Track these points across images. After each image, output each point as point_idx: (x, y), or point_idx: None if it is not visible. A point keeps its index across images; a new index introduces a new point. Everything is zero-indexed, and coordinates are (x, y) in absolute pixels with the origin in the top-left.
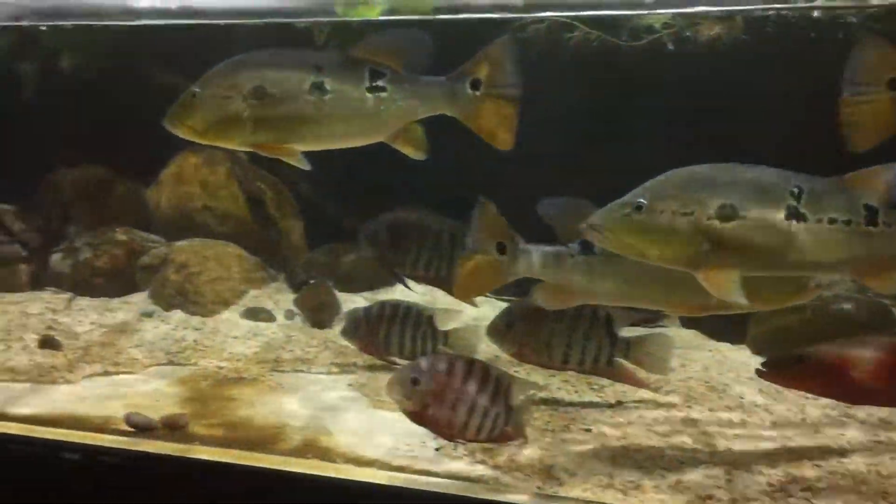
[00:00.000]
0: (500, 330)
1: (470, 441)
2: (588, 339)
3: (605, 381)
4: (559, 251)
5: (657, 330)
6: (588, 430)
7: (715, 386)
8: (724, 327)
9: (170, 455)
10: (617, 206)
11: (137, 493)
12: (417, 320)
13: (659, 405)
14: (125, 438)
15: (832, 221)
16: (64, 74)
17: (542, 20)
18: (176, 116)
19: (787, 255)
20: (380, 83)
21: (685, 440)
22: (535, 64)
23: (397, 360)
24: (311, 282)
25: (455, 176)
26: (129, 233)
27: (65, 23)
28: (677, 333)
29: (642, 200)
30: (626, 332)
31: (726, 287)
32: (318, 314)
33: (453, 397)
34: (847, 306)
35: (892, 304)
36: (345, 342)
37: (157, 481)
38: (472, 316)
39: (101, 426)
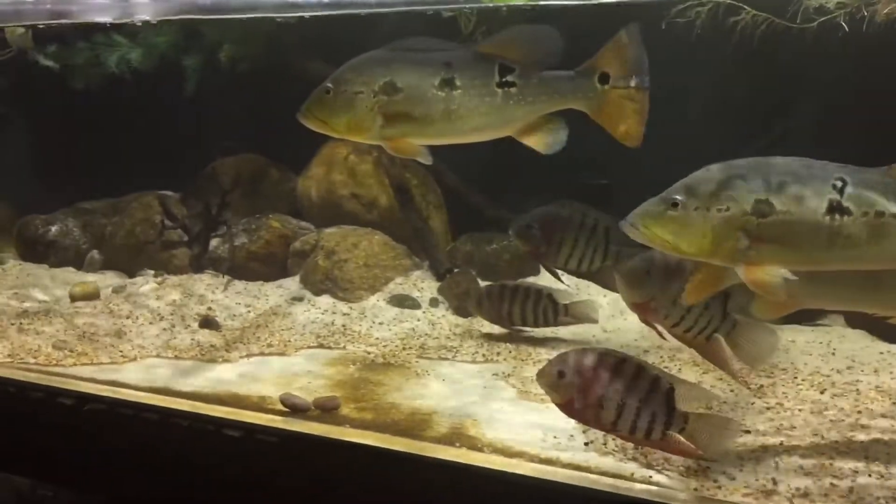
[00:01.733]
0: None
1: (627, 440)
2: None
3: (764, 382)
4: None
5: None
6: (748, 432)
7: (886, 390)
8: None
9: (323, 437)
10: (654, 203)
11: (292, 472)
12: (538, 296)
13: (826, 408)
14: (281, 418)
15: (879, 214)
16: (223, 67)
17: (702, 2)
18: (309, 110)
19: (831, 250)
20: (509, 78)
21: (854, 446)
22: (695, 50)
23: (523, 328)
24: (456, 270)
25: (594, 166)
26: (281, 219)
27: (224, 16)
28: (843, 333)
29: (678, 197)
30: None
31: (768, 283)
32: (462, 302)
33: (600, 392)
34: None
35: None
36: (487, 331)
37: (310, 462)
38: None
39: (259, 405)
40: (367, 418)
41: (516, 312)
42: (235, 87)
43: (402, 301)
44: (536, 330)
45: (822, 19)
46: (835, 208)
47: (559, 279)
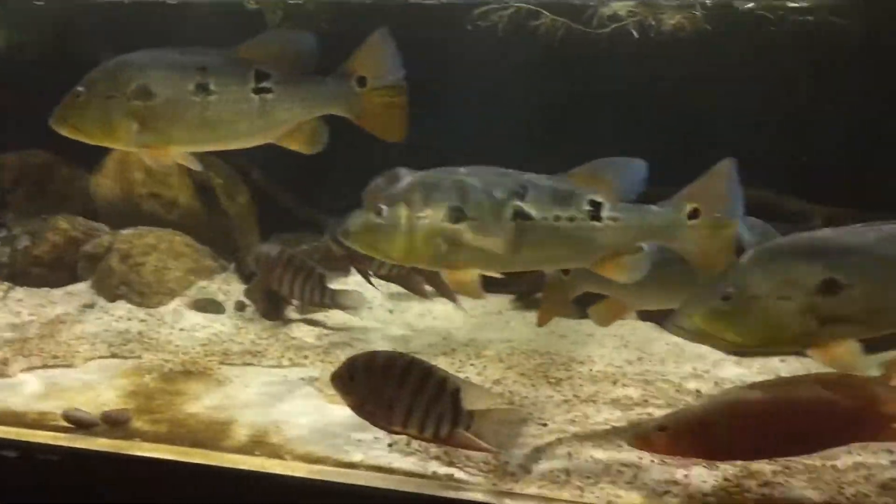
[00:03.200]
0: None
1: (417, 439)
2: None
3: (562, 375)
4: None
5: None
6: (544, 425)
7: (672, 380)
8: None
9: (111, 452)
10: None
11: (77, 492)
12: (310, 273)
13: (615, 400)
14: (64, 435)
15: (556, 219)
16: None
17: (506, 6)
18: (61, 116)
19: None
20: (265, 84)
21: None
22: (500, 52)
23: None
24: None
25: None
26: (70, 220)
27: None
28: (635, 325)
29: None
30: None
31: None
32: (270, 305)
33: (390, 394)
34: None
35: None
36: (297, 335)
37: (97, 480)
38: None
39: (39, 422)
40: (160, 431)
41: (286, 281)
42: (17, 76)
43: (206, 305)
44: (341, 331)
45: (615, 25)
46: (518, 214)
47: (370, 282)
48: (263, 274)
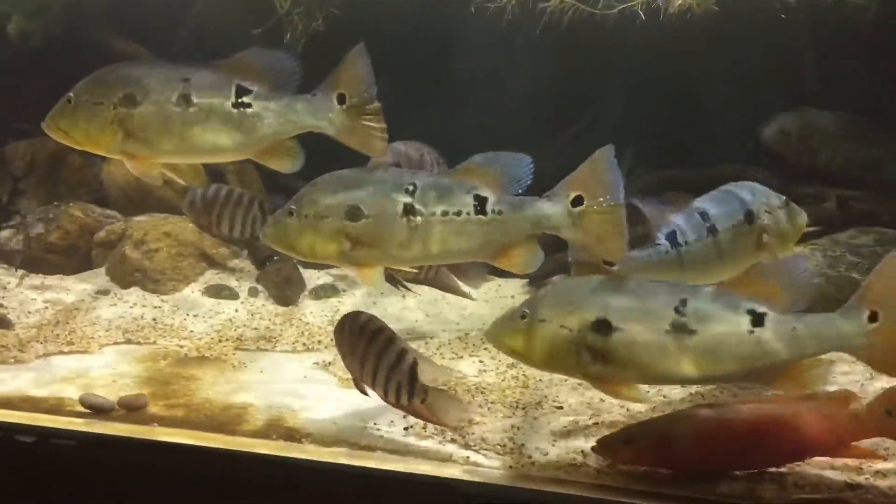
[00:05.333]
0: None
1: (384, 400)
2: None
3: None
4: (659, 253)
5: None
6: (559, 408)
7: None
8: None
9: (128, 437)
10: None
11: (94, 477)
12: (249, 205)
13: None
14: (81, 420)
15: (444, 214)
16: (13, 42)
17: None
18: (52, 120)
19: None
20: (245, 99)
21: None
22: (508, 36)
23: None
24: (276, 258)
25: None
26: (83, 207)
27: None
28: None
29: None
30: None
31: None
32: (282, 291)
33: (361, 353)
34: (816, 281)
35: (861, 277)
36: (309, 320)
37: (114, 464)
38: None
39: (56, 408)
40: (177, 416)
41: (225, 218)
42: (28, 63)
43: (219, 291)
44: None
45: (622, 6)
46: (409, 211)
47: (403, 287)
48: (201, 216)
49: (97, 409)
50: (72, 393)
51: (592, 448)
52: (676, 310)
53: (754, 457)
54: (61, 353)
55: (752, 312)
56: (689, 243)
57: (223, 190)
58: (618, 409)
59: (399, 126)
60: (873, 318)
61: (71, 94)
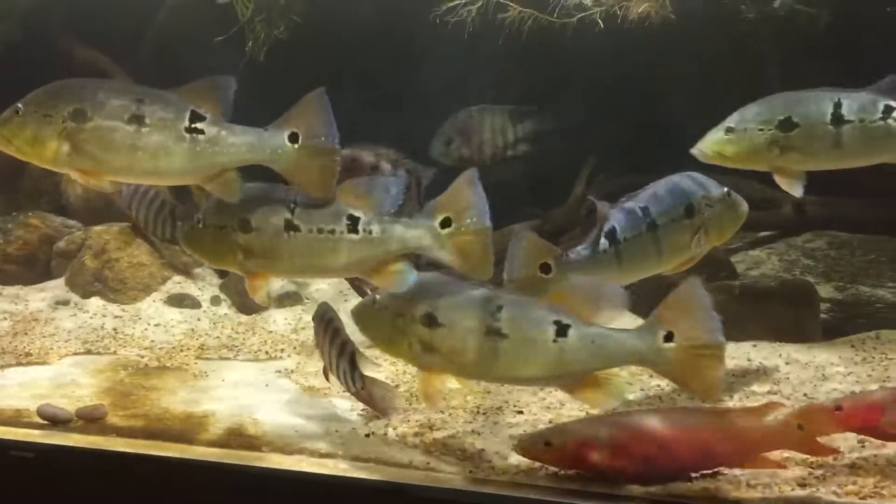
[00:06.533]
0: None
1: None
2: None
3: None
4: (595, 252)
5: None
6: (520, 413)
7: (634, 370)
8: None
9: (86, 448)
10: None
11: (52, 489)
12: (161, 207)
13: None
14: (38, 432)
15: (330, 232)
16: None
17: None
18: None
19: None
20: (198, 125)
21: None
22: (471, 45)
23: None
24: None
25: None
26: (42, 217)
27: None
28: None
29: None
30: None
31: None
32: (245, 299)
33: (320, 341)
34: (772, 284)
35: (816, 280)
36: (272, 328)
37: (72, 476)
38: None
39: (13, 419)
40: (136, 426)
41: (142, 216)
42: None
43: (181, 300)
44: None
45: (581, 15)
46: (289, 226)
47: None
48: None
49: (55, 421)
50: (30, 404)
51: (513, 447)
52: (493, 314)
53: (663, 464)
54: (20, 364)
55: (558, 323)
56: (628, 240)
57: (140, 190)
58: (578, 414)
59: (366, 129)
60: (669, 338)
61: (20, 105)
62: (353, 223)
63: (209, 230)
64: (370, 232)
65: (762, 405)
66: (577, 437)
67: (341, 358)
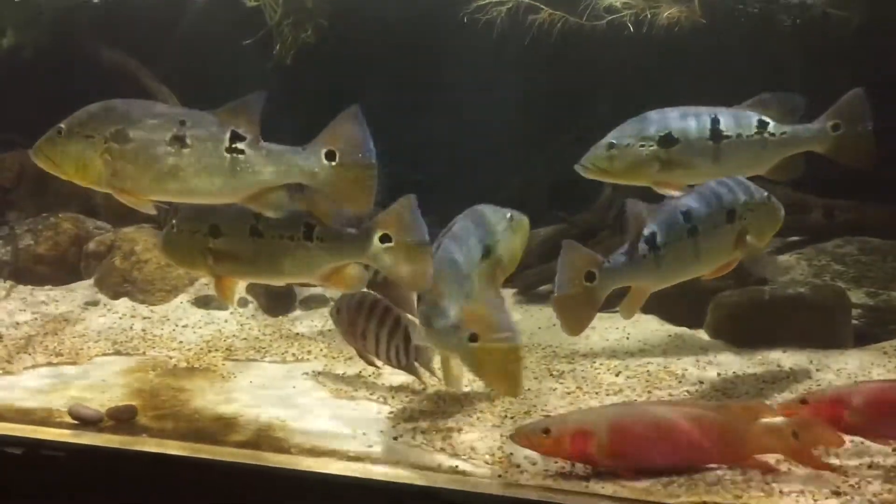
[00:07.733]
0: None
1: (387, 364)
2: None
3: (564, 368)
4: (634, 258)
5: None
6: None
7: (674, 371)
8: (684, 312)
9: (116, 448)
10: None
11: (83, 488)
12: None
13: (619, 391)
14: (69, 431)
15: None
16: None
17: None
18: (41, 149)
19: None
20: (238, 146)
21: None
22: (499, 47)
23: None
24: None
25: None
26: (72, 219)
27: None
28: (637, 318)
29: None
30: None
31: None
32: (272, 301)
33: (362, 326)
34: (802, 290)
35: (847, 286)
36: (299, 330)
37: (103, 475)
38: None
39: (44, 419)
40: (166, 426)
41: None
42: (17, 75)
43: (209, 302)
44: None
45: (611, 17)
46: (254, 232)
47: None
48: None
49: (86, 421)
50: (60, 404)
51: (511, 436)
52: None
53: (658, 457)
54: (50, 364)
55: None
56: (668, 244)
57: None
58: None
59: (391, 133)
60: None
61: (62, 126)
62: (309, 231)
63: (184, 235)
64: (322, 240)
65: (755, 403)
66: (575, 427)
67: (394, 336)
